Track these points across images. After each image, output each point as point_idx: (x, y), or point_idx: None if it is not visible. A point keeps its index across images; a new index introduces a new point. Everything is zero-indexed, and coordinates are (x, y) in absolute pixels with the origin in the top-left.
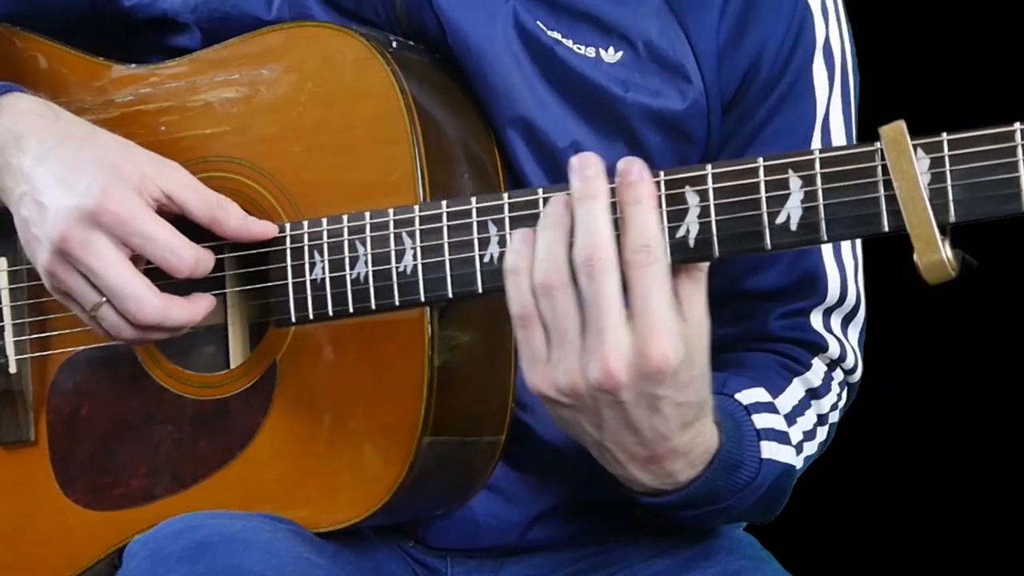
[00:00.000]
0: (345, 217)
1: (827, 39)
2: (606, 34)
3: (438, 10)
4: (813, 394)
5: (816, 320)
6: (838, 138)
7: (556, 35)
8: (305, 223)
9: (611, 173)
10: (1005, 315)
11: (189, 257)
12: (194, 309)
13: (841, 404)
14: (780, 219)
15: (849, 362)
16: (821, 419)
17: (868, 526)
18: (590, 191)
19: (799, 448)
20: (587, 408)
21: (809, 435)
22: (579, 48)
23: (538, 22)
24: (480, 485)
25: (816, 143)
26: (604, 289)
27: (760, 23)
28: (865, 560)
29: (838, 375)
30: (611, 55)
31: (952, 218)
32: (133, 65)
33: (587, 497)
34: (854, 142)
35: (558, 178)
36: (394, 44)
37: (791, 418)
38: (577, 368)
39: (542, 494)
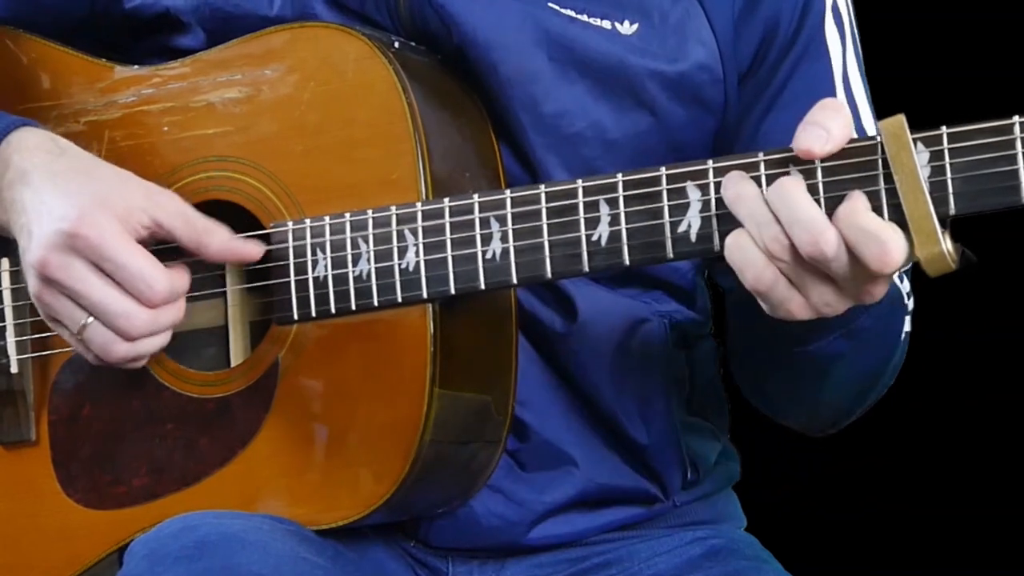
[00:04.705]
0: (347, 215)
1: (835, 1)
2: (620, 8)
3: (438, 6)
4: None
5: None
6: (860, 95)
7: (570, 12)
8: (307, 221)
9: (630, 146)
10: (1004, 310)
11: (161, 288)
12: (179, 307)
13: (910, 307)
14: None
15: (906, 284)
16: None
17: (868, 526)
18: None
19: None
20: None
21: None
22: (595, 21)
23: (549, 2)
24: (481, 484)
25: (841, 99)
26: None
27: None
28: (865, 560)
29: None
30: (627, 28)
31: (952, 211)
32: (136, 66)
33: (589, 496)
34: (871, 105)
35: (575, 164)
36: (396, 44)
37: None
38: None
39: (544, 493)
